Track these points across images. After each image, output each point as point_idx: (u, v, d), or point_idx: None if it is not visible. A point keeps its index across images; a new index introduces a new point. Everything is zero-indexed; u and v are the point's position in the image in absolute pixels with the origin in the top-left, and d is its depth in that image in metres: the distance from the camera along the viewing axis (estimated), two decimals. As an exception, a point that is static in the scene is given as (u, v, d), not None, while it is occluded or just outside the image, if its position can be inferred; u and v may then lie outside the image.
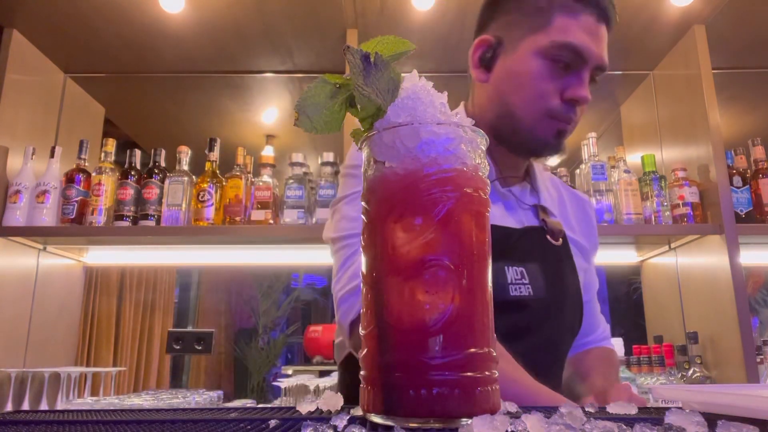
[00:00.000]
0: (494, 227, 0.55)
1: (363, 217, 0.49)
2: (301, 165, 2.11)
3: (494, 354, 0.45)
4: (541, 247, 1.01)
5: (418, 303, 0.43)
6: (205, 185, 2.01)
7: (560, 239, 1.04)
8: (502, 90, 0.98)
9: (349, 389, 1.03)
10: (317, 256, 2.29)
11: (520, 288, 0.93)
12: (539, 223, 1.03)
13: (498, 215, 0.99)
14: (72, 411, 0.56)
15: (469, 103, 1.08)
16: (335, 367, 3.10)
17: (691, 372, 1.93)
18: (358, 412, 0.47)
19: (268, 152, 2.75)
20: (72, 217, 1.99)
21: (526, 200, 1.05)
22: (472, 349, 0.43)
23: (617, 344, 1.95)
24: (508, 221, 1.00)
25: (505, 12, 1.01)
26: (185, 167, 2.07)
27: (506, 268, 0.94)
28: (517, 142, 0.98)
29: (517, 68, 0.96)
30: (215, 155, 2.08)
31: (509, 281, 0.93)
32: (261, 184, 2.05)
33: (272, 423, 0.45)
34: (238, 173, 2.05)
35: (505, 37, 0.99)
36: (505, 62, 0.98)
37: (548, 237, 1.02)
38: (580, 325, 1.05)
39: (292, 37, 2.15)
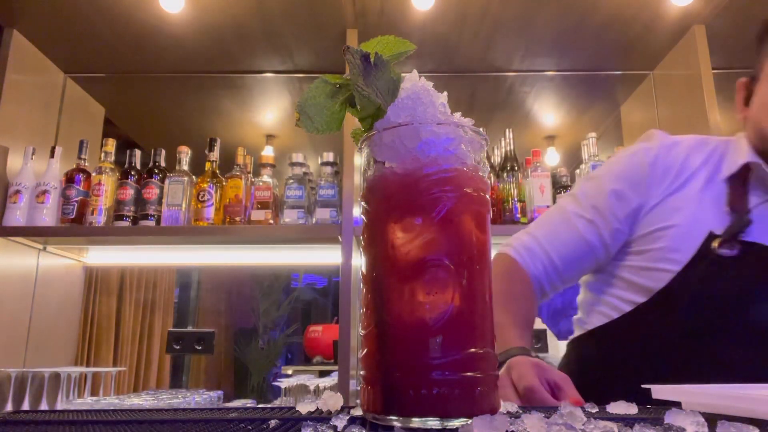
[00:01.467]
0: None
1: (363, 217, 0.49)
2: (301, 165, 2.11)
3: (494, 354, 0.45)
4: None
5: (418, 303, 0.43)
6: (205, 185, 2.01)
7: None
8: (757, 119, 0.99)
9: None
10: (317, 256, 2.29)
11: None
12: None
13: None
14: (72, 411, 0.56)
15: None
16: (335, 367, 3.10)
17: (691, 372, 1.93)
18: (358, 412, 0.47)
19: (268, 152, 2.76)
20: (72, 217, 1.99)
21: None
22: (472, 349, 0.43)
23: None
24: None
25: (763, 49, 1.07)
26: (185, 167, 2.07)
27: None
28: None
29: (763, 99, 0.99)
30: (215, 155, 2.08)
31: None
32: (261, 184, 2.05)
33: (272, 423, 0.45)
34: (238, 173, 2.05)
35: (758, 71, 1.04)
36: (757, 95, 1.01)
37: None
38: None
39: (292, 37, 2.15)
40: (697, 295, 0.88)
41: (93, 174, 2.05)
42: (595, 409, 0.51)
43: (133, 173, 2.05)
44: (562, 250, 1.00)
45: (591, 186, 1.04)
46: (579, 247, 0.99)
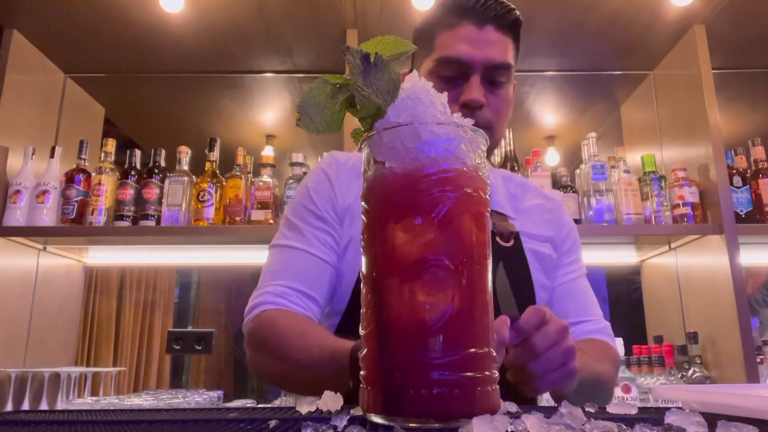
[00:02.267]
0: None
1: (363, 217, 0.49)
2: (301, 165, 2.11)
3: (494, 354, 0.45)
4: None
5: (418, 303, 0.43)
6: (205, 185, 2.01)
7: (511, 240, 1.05)
8: None
9: None
10: (317, 256, 2.29)
11: None
12: None
13: None
14: (72, 411, 0.56)
15: None
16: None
17: (691, 372, 1.93)
18: (358, 412, 0.47)
19: (268, 152, 2.75)
20: (72, 217, 1.99)
21: None
22: (472, 349, 0.43)
23: (617, 344, 1.95)
24: None
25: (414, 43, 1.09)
26: (185, 167, 2.07)
27: None
28: None
29: None
30: (215, 155, 2.08)
31: None
32: (261, 184, 2.05)
33: (272, 423, 0.45)
34: (238, 173, 2.05)
35: (415, 67, 1.08)
36: None
37: (497, 239, 1.03)
38: None
39: (292, 37, 2.15)
40: None
41: (93, 174, 2.05)
42: (595, 409, 0.51)
43: (133, 173, 2.05)
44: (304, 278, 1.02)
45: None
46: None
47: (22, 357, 2.01)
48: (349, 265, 1.03)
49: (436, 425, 0.41)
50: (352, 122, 0.50)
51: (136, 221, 2.01)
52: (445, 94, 0.51)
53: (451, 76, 1.01)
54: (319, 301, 1.00)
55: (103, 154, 2.09)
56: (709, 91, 2.02)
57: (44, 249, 2.14)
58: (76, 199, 2.01)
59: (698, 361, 1.94)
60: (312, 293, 0.99)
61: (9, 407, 1.85)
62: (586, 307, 1.12)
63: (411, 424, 0.42)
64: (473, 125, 0.95)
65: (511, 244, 1.05)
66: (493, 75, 1.01)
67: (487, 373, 0.44)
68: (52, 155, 2.06)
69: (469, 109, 0.99)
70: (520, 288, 1.03)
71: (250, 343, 0.97)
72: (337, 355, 0.78)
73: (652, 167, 2.11)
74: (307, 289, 0.99)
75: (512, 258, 1.04)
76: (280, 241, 1.06)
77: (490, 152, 1.07)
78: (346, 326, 1.00)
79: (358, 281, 0.94)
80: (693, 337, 1.95)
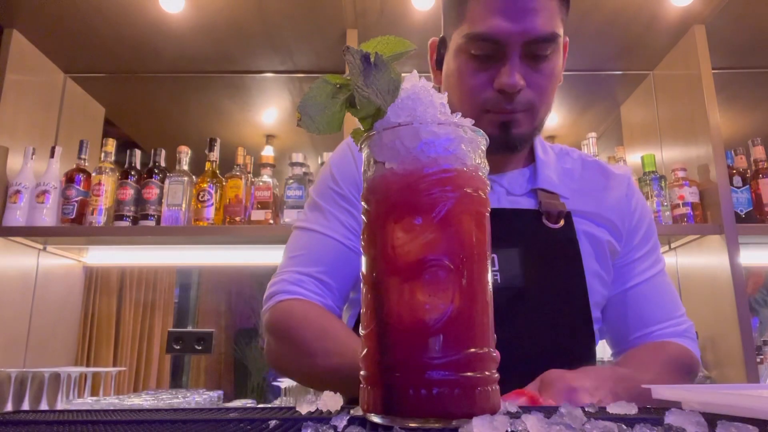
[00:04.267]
0: None
1: (363, 217, 0.49)
2: (301, 165, 2.11)
3: (494, 354, 0.45)
4: (527, 232, 0.92)
5: (418, 303, 0.43)
6: (205, 185, 2.01)
7: (561, 221, 0.93)
8: (447, 91, 0.93)
9: None
10: (317, 256, 2.29)
11: None
12: (535, 206, 0.95)
13: None
14: (72, 411, 0.56)
15: None
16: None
17: (691, 372, 1.93)
18: (358, 412, 0.47)
19: (268, 152, 2.75)
20: (72, 217, 1.99)
21: (518, 187, 0.98)
22: (472, 349, 0.43)
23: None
24: None
25: (444, 8, 0.99)
26: (185, 167, 2.07)
27: None
28: None
29: (448, 69, 0.94)
30: (215, 155, 2.08)
31: None
32: (261, 184, 2.05)
33: (272, 423, 0.45)
34: (238, 173, 2.05)
35: (446, 36, 0.96)
36: (446, 62, 0.96)
37: (544, 220, 0.93)
38: (588, 323, 0.92)
39: (292, 37, 2.15)
40: None
41: (93, 174, 2.05)
42: (595, 409, 0.51)
43: (133, 173, 2.05)
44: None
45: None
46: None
47: (22, 357, 2.01)
48: None
49: (436, 425, 0.41)
50: (352, 122, 0.50)
51: (136, 221, 2.01)
52: (445, 93, 0.50)
53: (486, 54, 0.87)
54: (337, 289, 0.95)
55: (103, 154, 2.09)
56: (709, 91, 2.02)
57: (44, 249, 2.14)
58: (76, 199, 2.01)
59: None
60: (329, 280, 0.94)
61: (9, 407, 1.85)
62: (665, 310, 0.98)
63: (411, 424, 0.42)
64: (510, 113, 0.88)
65: (560, 225, 0.93)
66: (536, 50, 0.86)
67: (487, 373, 0.44)
68: (52, 155, 2.06)
69: (504, 94, 0.87)
70: (569, 276, 0.92)
71: (267, 334, 0.94)
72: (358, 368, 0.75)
73: (652, 167, 2.11)
74: (325, 276, 0.94)
75: (559, 241, 0.93)
76: (302, 222, 1.01)
77: (540, 128, 0.97)
78: None
79: None
80: (693, 337, 1.95)
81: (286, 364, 0.95)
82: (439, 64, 1.00)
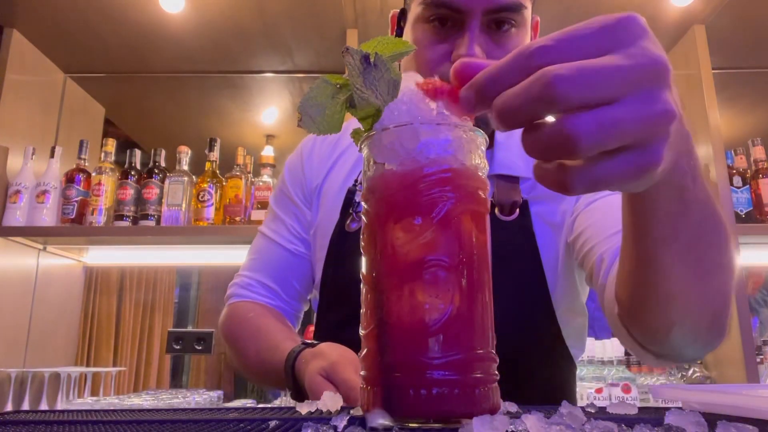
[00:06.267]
0: None
1: (363, 217, 0.49)
2: (301, 165, 2.11)
3: (494, 354, 0.45)
4: None
5: (418, 303, 0.43)
6: (205, 185, 2.02)
7: (516, 211, 0.85)
8: (404, 64, 0.87)
9: None
10: (317, 256, 2.29)
11: None
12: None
13: None
14: (72, 411, 0.56)
15: None
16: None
17: (691, 372, 1.93)
18: (358, 412, 0.47)
19: (268, 152, 2.75)
20: (72, 217, 1.99)
21: None
22: (472, 349, 0.43)
23: (616, 344, 1.95)
24: None
25: None
26: (185, 167, 2.08)
27: None
28: None
29: (409, 40, 0.86)
30: (215, 155, 2.08)
31: None
32: (261, 184, 2.05)
33: (272, 423, 0.45)
34: (238, 173, 2.05)
35: (406, 7, 0.90)
36: (405, 35, 0.90)
37: (497, 212, 0.85)
38: (551, 319, 0.85)
39: (292, 37, 2.15)
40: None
41: (93, 174, 2.05)
42: (595, 409, 0.51)
43: (133, 173, 2.05)
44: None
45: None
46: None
47: (22, 357, 2.01)
48: (314, 255, 0.99)
49: (436, 425, 0.41)
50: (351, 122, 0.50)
51: (136, 221, 2.01)
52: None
53: (442, 23, 0.81)
54: (284, 292, 0.99)
55: (103, 154, 2.10)
56: (709, 91, 2.02)
57: (44, 249, 2.14)
58: (76, 199, 2.01)
59: (698, 361, 1.94)
60: (274, 285, 0.99)
61: (9, 407, 1.85)
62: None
63: (411, 424, 0.42)
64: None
65: (514, 217, 0.85)
66: (498, 19, 0.80)
67: (487, 373, 0.44)
68: (52, 155, 2.06)
69: None
70: (525, 274, 0.85)
71: (221, 336, 1.01)
72: (281, 364, 0.78)
73: (652, 167, 2.11)
74: (269, 281, 0.99)
75: (514, 235, 0.85)
76: (262, 225, 1.06)
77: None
78: (321, 318, 0.98)
79: (326, 273, 0.94)
80: (693, 337, 1.95)
81: (232, 362, 1.02)
82: (399, 37, 0.98)
